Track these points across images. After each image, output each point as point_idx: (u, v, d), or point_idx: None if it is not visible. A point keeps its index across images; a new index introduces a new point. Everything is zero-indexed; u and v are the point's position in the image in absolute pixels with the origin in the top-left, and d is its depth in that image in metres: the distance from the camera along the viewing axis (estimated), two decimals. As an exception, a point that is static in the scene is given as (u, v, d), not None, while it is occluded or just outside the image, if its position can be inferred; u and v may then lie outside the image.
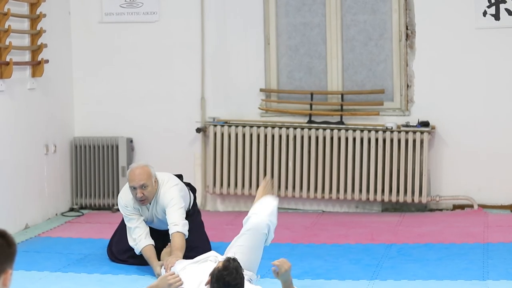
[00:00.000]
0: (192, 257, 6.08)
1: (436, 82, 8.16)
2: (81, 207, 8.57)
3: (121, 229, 6.55)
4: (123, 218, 6.60)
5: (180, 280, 4.85)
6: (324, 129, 8.21)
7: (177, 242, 5.99)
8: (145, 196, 6.13)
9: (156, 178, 6.22)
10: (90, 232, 7.54)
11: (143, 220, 6.26)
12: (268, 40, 8.42)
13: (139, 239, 6.15)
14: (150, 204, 6.24)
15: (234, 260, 4.56)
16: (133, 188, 6.13)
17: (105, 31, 8.58)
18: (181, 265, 5.42)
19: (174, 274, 4.94)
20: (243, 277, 4.53)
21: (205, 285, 4.59)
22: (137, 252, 6.17)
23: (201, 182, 8.46)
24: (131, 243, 6.20)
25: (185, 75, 8.50)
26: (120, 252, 6.43)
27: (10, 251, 2.70)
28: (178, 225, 6.05)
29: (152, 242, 6.14)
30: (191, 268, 5.12)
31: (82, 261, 6.48)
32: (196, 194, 6.78)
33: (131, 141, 8.55)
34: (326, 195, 8.25)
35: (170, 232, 6.07)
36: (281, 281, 4.93)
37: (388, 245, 6.81)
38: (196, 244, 6.29)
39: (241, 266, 4.54)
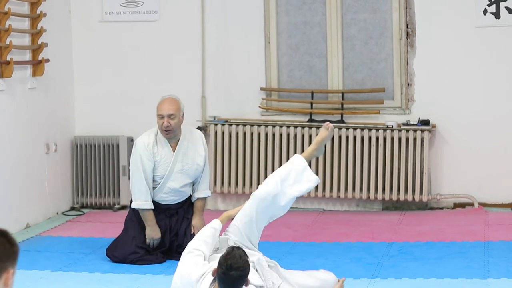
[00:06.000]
0: None
1: (437, 80, 8.16)
2: (82, 206, 8.57)
3: (123, 234, 6.53)
4: (126, 219, 6.57)
5: None
6: (325, 127, 8.21)
7: (202, 205, 6.56)
8: (171, 126, 6.22)
9: (183, 114, 6.33)
10: (91, 231, 7.54)
11: (157, 176, 6.35)
12: (269, 39, 8.42)
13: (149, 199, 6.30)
14: (174, 152, 6.30)
15: (239, 248, 4.57)
16: (160, 117, 6.21)
17: (106, 30, 8.58)
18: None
19: None
20: (248, 264, 4.52)
21: (212, 274, 4.59)
22: (145, 206, 6.29)
23: (201, 181, 8.46)
24: (140, 189, 6.30)
25: (185, 74, 8.51)
26: (125, 255, 6.40)
27: (12, 251, 2.70)
28: (208, 191, 6.54)
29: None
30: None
31: (83, 260, 6.48)
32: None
33: (132, 140, 8.55)
34: (327, 194, 8.25)
35: (201, 195, 6.48)
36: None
37: (388, 243, 6.81)
38: None
39: (246, 254, 4.53)
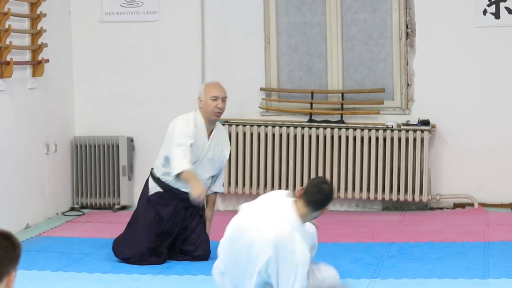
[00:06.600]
0: (188, 251, 6.33)
1: (436, 80, 8.16)
2: (82, 207, 8.57)
3: (132, 231, 6.48)
4: (135, 213, 6.54)
5: None
6: (325, 128, 8.22)
7: (215, 199, 6.73)
8: (223, 109, 6.34)
9: None
10: (91, 231, 7.54)
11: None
12: (269, 39, 8.42)
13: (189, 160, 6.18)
14: (209, 139, 6.34)
15: None
16: (214, 99, 6.26)
17: (106, 30, 8.58)
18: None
19: None
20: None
21: (297, 194, 4.77)
22: (186, 167, 6.12)
23: (201, 181, 8.46)
24: (179, 157, 6.14)
25: (185, 74, 8.51)
26: (134, 254, 6.35)
27: (15, 254, 2.71)
28: (222, 187, 6.69)
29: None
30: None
31: (83, 261, 6.48)
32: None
33: (132, 140, 8.56)
34: (327, 194, 8.24)
35: (217, 190, 6.64)
36: None
37: (388, 244, 6.81)
38: (199, 242, 6.37)
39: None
